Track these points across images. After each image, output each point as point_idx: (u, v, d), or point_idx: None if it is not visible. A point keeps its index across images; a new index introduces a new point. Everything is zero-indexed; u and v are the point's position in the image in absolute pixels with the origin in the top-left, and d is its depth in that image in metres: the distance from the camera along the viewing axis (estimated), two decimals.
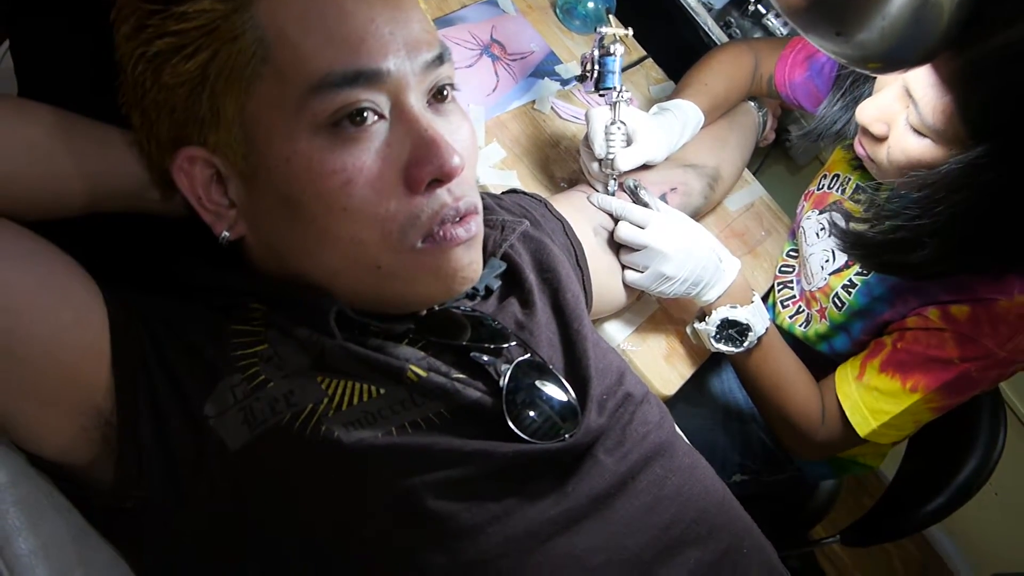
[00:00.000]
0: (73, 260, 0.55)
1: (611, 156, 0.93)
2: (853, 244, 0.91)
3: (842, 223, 0.93)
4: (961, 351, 0.87)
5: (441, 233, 0.56)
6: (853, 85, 0.99)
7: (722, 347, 0.97)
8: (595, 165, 0.96)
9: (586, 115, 0.96)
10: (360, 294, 0.59)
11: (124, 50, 0.55)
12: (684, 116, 1.04)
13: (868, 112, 0.87)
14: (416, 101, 0.55)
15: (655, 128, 0.98)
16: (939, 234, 0.81)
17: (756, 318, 0.95)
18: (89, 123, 0.59)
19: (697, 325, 0.98)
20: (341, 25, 0.52)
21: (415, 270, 0.57)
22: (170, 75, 0.53)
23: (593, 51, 0.95)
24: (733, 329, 0.95)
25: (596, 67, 0.95)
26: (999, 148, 0.74)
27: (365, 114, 0.53)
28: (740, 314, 0.94)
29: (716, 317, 0.94)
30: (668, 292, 0.93)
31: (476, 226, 0.59)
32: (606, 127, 0.94)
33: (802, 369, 1.01)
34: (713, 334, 0.96)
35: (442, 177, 0.55)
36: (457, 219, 0.57)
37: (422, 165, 0.54)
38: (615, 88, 0.94)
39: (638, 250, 0.91)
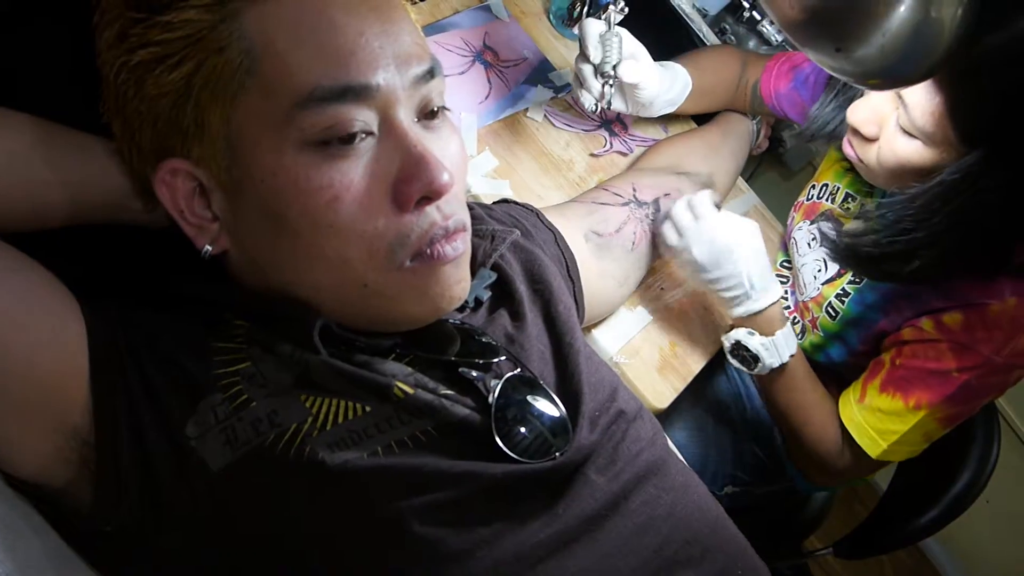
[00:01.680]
0: (51, 274, 0.54)
1: (608, 62, 0.94)
2: (846, 256, 0.91)
3: (832, 234, 0.93)
4: (959, 362, 0.87)
5: (430, 252, 0.55)
6: (846, 85, 0.99)
7: (736, 364, 0.98)
8: (589, 71, 0.96)
9: (579, 27, 0.98)
10: (345, 311, 0.57)
11: (106, 58, 0.53)
12: (674, 74, 1.06)
13: (859, 113, 0.88)
14: (405, 116, 0.54)
15: (652, 63, 1.00)
16: (935, 245, 0.81)
17: (768, 352, 0.95)
18: (69, 132, 0.57)
19: (723, 335, 1.00)
20: (330, 38, 0.51)
21: (402, 289, 0.56)
22: (153, 85, 0.52)
23: None
24: (746, 352, 0.96)
25: None
26: (990, 153, 0.75)
27: (356, 136, 0.52)
28: (753, 342, 0.95)
29: (733, 335, 0.96)
30: (690, 275, 0.96)
31: (464, 244, 0.58)
32: (601, 35, 0.95)
33: (824, 397, 1.00)
34: (728, 349, 0.98)
35: (431, 194, 0.54)
36: (445, 237, 0.56)
37: (411, 182, 0.53)
38: (609, 3, 0.95)
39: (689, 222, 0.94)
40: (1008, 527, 1.97)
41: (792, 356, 0.96)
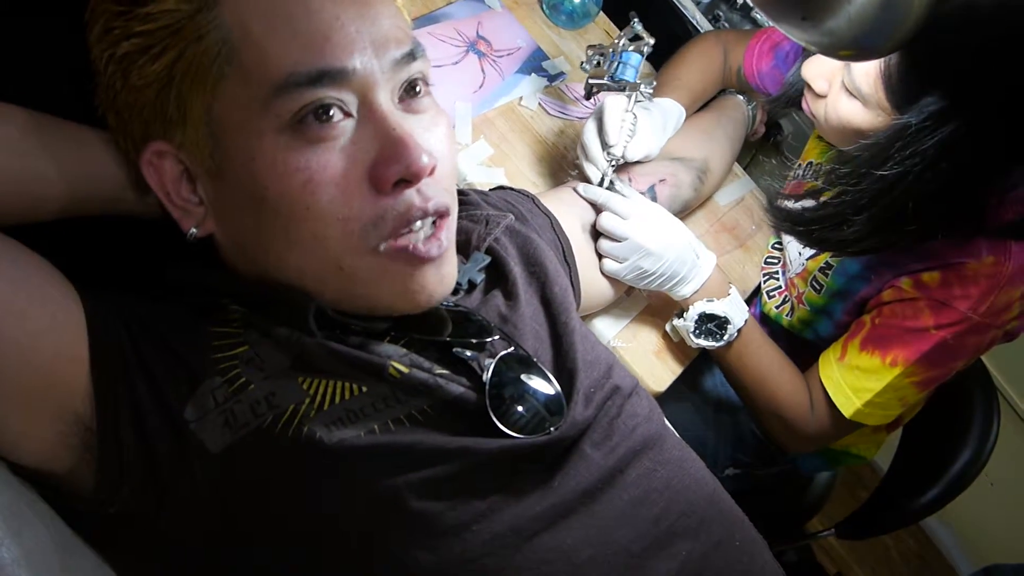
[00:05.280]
0: (49, 263, 0.55)
1: (618, 145, 0.94)
2: (783, 219, 0.92)
3: (779, 201, 0.94)
4: (936, 319, 0.88)
5: (412, 248, 0.55)
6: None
7: (702, 342, 0.97)
8: (598, 150, 0.95)
9: (602, 103, 0.96)
10: (332, 296, 0.58)
11: (95, 52, 0.54)
12: (665, 114, 1.04)
13: (812, 68, 0.91)
14: (385, 100, 0.54)
15: (650, 123, 0.99)
16: (864, 210, 0.82)
17: (734, 310, 0.95)
18: (65, 123, 0.58)
19: (676, 322, 0.98)
20: (305, 24, 0.51)
21: (378, 275, 0.56)
22: (138, 76, 0.53)
23: (618, 41, 0.96)
24: (712, 323, 0.95)
25: (617, 58, 0.96)
26: (917, 123, 0.75)
27: (331, 111, 0.52)
28: (717, 307, 0.94)
29: (694, 312, 0.95)
30: (642, 285, 0.93)
31: (448, 239, 0.58)
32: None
33: (786, 360, 1.00)
34: (692, 329, 0.96)
35: (409, 177, 0.54)
36: (427, 221, 0.56)
37: (388, 164, 0.53)
38: (633, 83, 0.95)
39: (618, 241, 0.90)
40: (1011, 508, 1.98)
41: (749, 312, 0.97)
